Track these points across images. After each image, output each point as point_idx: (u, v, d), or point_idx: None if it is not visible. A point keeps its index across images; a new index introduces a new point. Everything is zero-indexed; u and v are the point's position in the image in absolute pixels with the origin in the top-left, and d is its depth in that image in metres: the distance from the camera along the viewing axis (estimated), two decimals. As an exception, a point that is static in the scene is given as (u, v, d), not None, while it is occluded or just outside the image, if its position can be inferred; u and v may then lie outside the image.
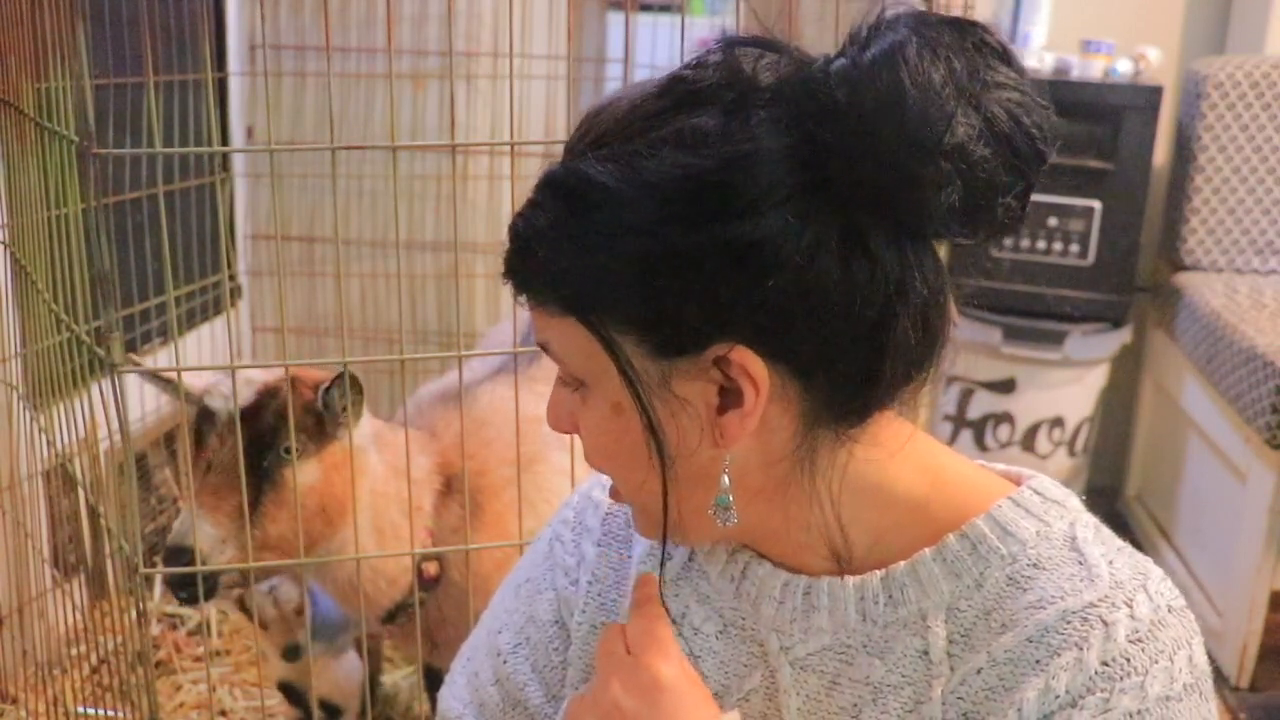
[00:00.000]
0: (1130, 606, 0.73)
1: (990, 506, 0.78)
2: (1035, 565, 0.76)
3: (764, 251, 0.69)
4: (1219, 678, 2.48)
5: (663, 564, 0.86)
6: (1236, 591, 2.47)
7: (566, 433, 0.82)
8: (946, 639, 0.76)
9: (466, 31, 2.84)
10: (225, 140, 2.69)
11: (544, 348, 0.79)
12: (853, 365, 0.72)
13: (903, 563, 0.78)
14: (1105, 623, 0.72)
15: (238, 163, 2.87)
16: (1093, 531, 0.78)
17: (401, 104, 2.88)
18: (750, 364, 0.71)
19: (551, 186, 0.74)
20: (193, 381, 1.59)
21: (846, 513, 0.78)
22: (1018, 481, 0.82)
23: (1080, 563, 0.75)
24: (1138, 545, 2.97)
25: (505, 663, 0.93)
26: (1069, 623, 0.73)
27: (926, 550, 0.77)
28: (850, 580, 0.78)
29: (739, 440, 0.74)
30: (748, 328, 0.71)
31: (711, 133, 0.69)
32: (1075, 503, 0.80)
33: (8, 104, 1.63)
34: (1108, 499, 3.21)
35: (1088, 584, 0.74)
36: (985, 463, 0.84)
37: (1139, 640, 0.72)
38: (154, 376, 1.58)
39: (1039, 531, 0.77)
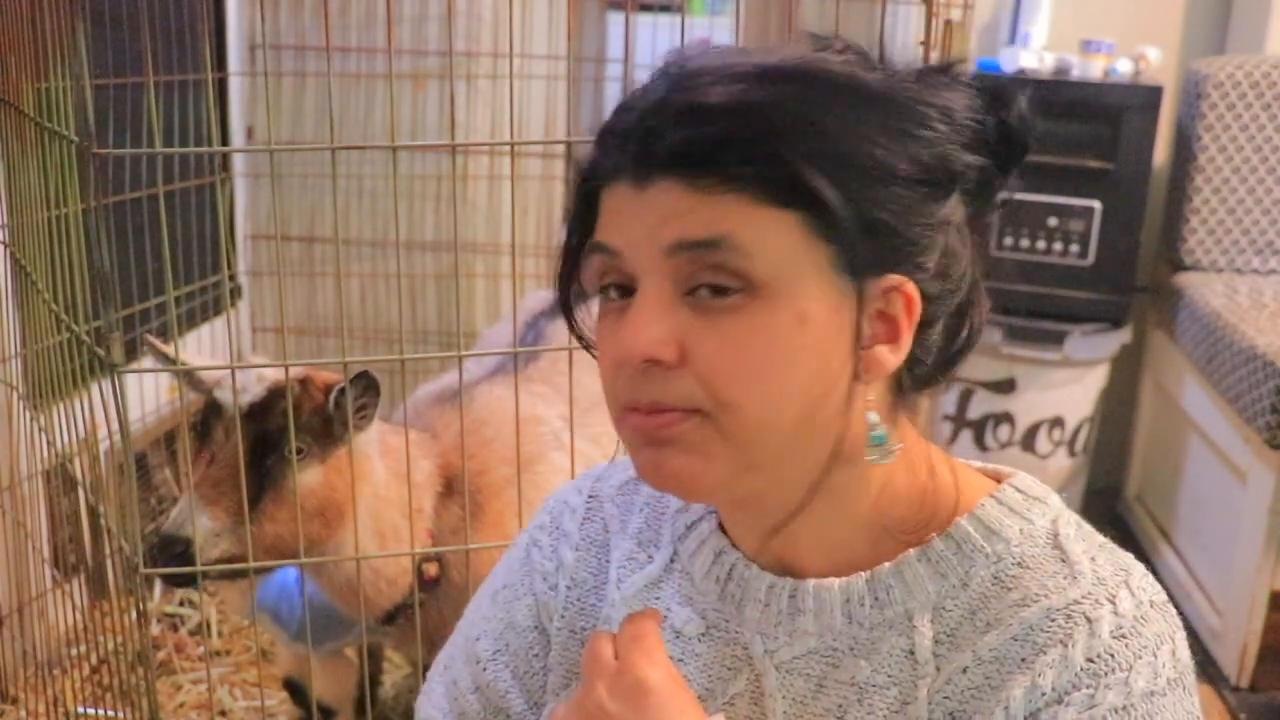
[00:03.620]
0: (1114, 603, 0.74)
1: (973, 505, 0.79)
2: (1020, 564, 0.76)
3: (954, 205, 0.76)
4: (1219, 678, 2.48)
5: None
6: (1236, 591, 2.47)
7: (654, 359, 0.72)
8: (932, 639, 0.77)
9: (466, 31, 2.84)
10: (225, 140, 2.69)
11: (701, 243, 0.71)
12: (940, 338, 0.78)
13: (888, 564, 0.78)
14: (1089, 619, 0.73)
15: (238, 163, 2.87)
16: (1074, 528, 0.79)
17: (401, 104, 2.88)
18: (914, 299, 0.74)
19: (807, 75, 0.73)
20: (206, 373, 1.59)
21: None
22: (997, 479, 0.82)
23: (1063, 560, 0.76)
24: (1138, 545, 2.98)
25: (485, 670, 0.93)
26: (1053, 620, 0.74)
27: (911, 551, 0.78)
28: (836, 582, 0.79)
29: (879, 377, 0.75)
30: (922, 267, 0.74)
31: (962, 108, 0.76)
32: (1056, 500, 0.81)
33: (8, 104, 1.63)
34: (1108, 499, 3.21)
35: (1071, 581, 0.75)
36: (963, 460, 0.84)
37: (1123, 636, 0.73)
38: (165, 359, 1.57)
39: (1023, 530, 0.78)
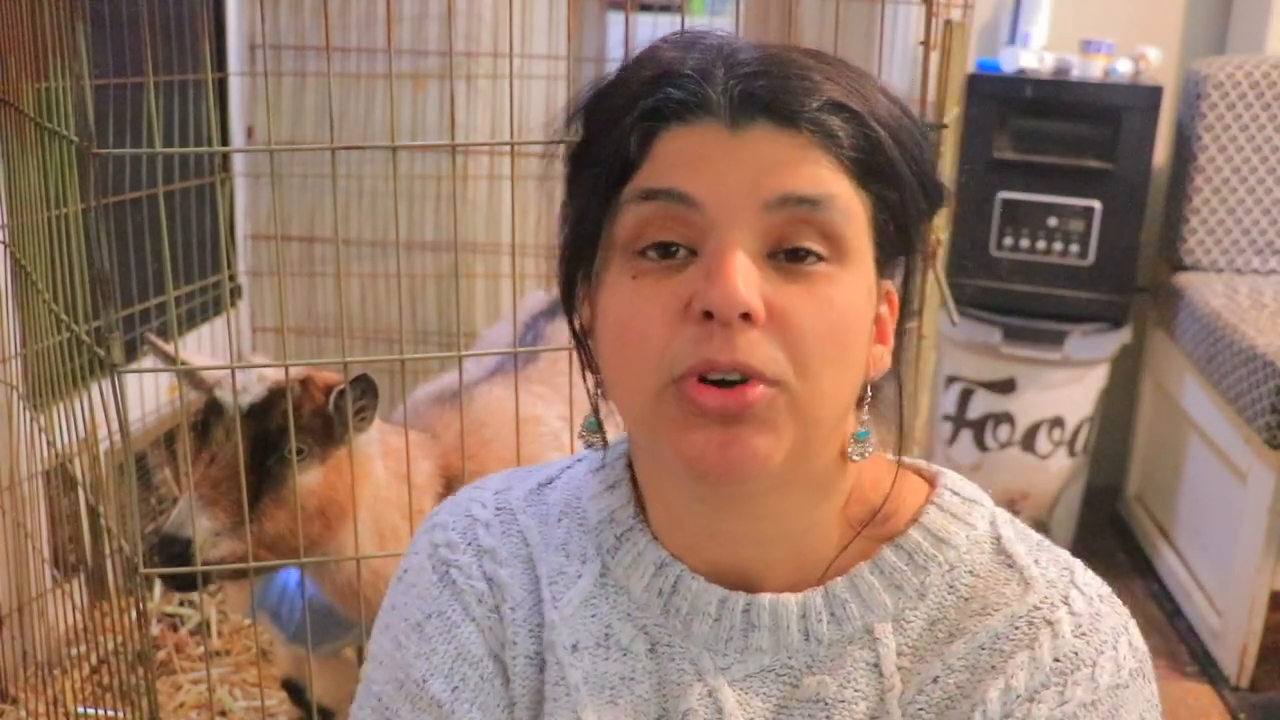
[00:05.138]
0: (1068, 603, 0.76)
1: (914, 508, 0.79)
2: (972, 573, 0.77)
3: None
4: (1219, 678, 2.48)
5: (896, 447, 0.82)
6: (1236, 591, 2.47)
7: (753, 313, 0.67)
8: (895, 650, 0.76)
9: (466, 31, 2.84)
10: (225, 140, 2.69)
11: (808, 200, 0.69)
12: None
13: (840, 578, 0.78)
14: (1049, 622, 0.75)
15: (238, 163, 2.87)
16: (1012, 529, 0.80)
17: (401, 104, 2.88)
18: (896, 306, 0.77)
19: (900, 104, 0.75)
20: (206, 373, 1.58)
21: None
22: (917, 472, 0.83)
23: (1010, 566, 0.77)
24: (1137, 545, 2.98)
25: (453, 713, 0.80)
26: (1016, 627, 0.75)
27: (863, 564, 0.78)
28: (793, 599, 0.77)
29: (879, 375, 0.78)
30: (896, 275, 0.77)
31: None
32: (987, 499, 0.82)
33: (8, 104, 1.63)
34: (1108, 499, 3.21)
35: (1025, 588, 0.76)
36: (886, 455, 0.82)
37: (1083, 634, 0.75)
38: (166, 358, 1.57)
39: (968, 535, 0.78)
